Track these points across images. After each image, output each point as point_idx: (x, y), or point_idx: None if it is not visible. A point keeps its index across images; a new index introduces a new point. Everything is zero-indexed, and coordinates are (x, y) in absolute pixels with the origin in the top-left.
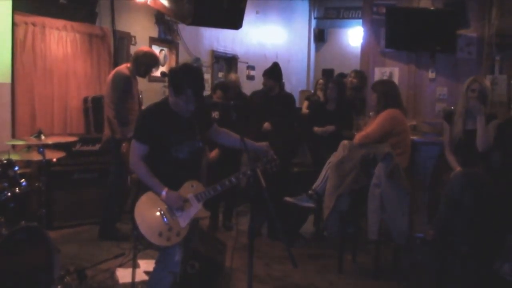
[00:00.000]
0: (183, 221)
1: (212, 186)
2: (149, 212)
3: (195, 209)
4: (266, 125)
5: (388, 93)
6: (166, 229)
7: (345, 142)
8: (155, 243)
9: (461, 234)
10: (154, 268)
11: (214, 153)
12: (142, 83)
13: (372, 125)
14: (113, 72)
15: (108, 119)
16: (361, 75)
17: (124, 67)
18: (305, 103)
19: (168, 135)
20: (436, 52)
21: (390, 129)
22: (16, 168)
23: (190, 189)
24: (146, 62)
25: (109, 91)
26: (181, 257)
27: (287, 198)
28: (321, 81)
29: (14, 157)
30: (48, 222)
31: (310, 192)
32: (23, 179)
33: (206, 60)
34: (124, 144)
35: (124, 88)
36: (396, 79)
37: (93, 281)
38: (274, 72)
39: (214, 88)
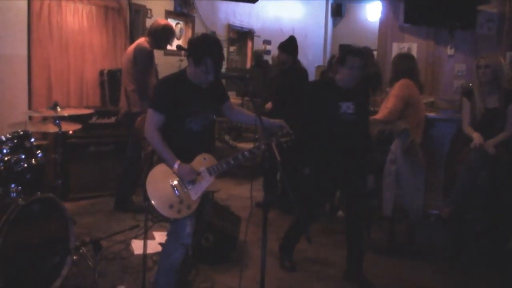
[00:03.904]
0: (195, 194)
1: (224, 159)
2: (161, 184)
3: (207, 182)
4: (268, 104)
5: (403, 66)
6: (177, 201)
7: None
8: (166, 215)
9: (476, 212)
10: (166, 241)
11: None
12: (157, 57)
13: (390, 99)
14: (133, 46)
15: (126, 92)
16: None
17: (144, 41)
18: None
19: (184, 106)
20: (456, 28)
21: (408, 97)
22: (32, 139)
23: (202, 162)
24: (166, 36)
25: (129, 65)
26: (193, 229)
27: None
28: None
29: (31, 128)
30: (64, 193)
31: None
32: (39, 151)
33: (222, 34)
34: (140, 118)
35: (147, 63)
36: (414, 55)
37: (108, 252)
38: (288, 45)
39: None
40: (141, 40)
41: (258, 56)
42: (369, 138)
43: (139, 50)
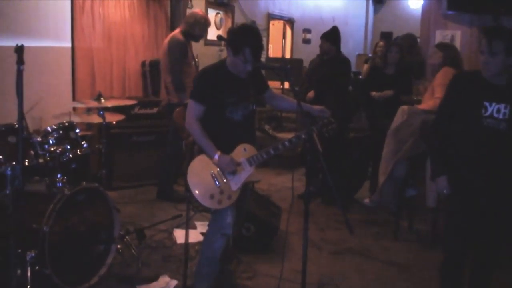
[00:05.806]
0: (235, 184)
1: (264, 149)
2: (202, 175)
3: (247, 172)
4: (310, 93)
5: (450, 54)
6: (217, 192)
7: (404, 107)
8: (206, 206)
9: None
10: (207, 231)
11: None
12: (197, 47)
13: (437, 88)
14: (168, 37)
15: (165, 84)
16: (409, 38)
17: (178, 32)
18: (365, 67)
19: (224, 96)
20: (501, 15)
21: None
22: (77, 130)
23: (242, 152)
24: (199, 27)
25: (165, 57)
26: (233, 219)
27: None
28: (381, 43)
29: (75, 119)
30: (108, 183)
31: None
32: (84, 141)
33: (262, 23)
34: (177, 109)
35: (180, 54)
36: (458, 43)
37: (151, 240)
38: (332, 35)
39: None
40: (176, 31)
41: None
42: None
43: (171, 42)
